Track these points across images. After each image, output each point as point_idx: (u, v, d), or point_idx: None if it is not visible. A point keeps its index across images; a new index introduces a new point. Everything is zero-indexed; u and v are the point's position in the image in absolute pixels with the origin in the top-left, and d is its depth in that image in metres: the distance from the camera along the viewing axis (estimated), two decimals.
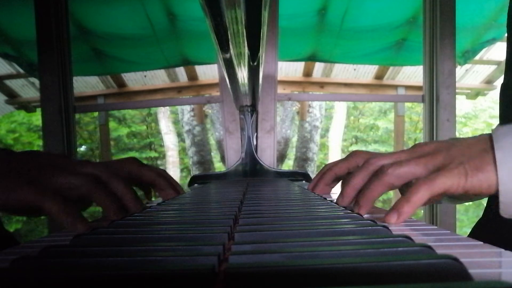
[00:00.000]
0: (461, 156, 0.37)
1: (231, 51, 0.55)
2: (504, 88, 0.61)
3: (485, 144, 0.37)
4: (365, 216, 0.39)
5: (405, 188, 0.41)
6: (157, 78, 3.59)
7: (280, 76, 3.43)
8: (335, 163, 0.60)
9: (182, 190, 0.61)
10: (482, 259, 0.23)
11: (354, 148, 6.18)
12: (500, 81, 0.66)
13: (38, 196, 0.34)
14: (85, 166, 0.43)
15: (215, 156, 4.54)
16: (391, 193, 3.67)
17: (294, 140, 4.74)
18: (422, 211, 1.86)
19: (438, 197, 0.38)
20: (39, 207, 0.35)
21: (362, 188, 0.42)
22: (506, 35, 0.58)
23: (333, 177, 0.60)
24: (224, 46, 0.53)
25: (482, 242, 0.28)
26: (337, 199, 0.46)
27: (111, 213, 0.40)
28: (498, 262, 0.23)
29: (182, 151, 5.17)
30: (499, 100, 0.63)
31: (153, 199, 0.63)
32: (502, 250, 0.25)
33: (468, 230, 0.63)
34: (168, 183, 0.55)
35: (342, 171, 0.59)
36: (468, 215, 5.20)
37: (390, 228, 0.28)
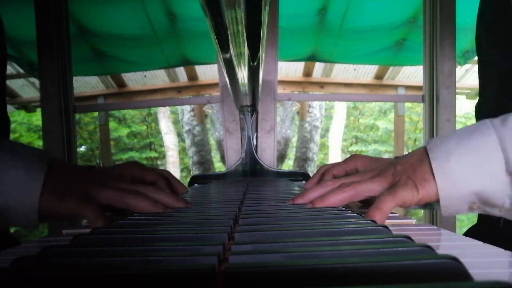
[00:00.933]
0: (406, 172, 0.42)
1: (231, 51, 0.55)
2: (478, 108, 0.63)
3: (422, 156, 0.42)
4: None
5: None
6: (157, 78, 3.59)
7: (280, 76, 3.43)
8: (333, 165, 0.64)
9: (186, 189, 0.65)
10: (482, 259, 0.23)
11: (354, 148, 6.17)
12: None
13: (83, 206, 0.42)
14: (119, 182, 0.48)
15: (215, 156, 4.54)
16: None
17: (294, 140, 4.74)
18: (422, 211, 1.86)
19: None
20: (82, 215, 0.42)
21: (323, 194, 0.45)
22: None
23: (331, 178, 0.63)
24: (224, 46, 0.53)
25: (482, 242, 0.28)
26: (294, 198, 0.49)
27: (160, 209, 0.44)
28: (498, 262, 0.23)
29: (182, 151, 5.16)
30: (476, 120, 0.65)
31: None
32: (502, 250, 0.25)
33: None
34: (167, 184, 0.59)
35: (340, 173, 0.63)
36: (468, 215, 5.19)
37: (390, 228, 0.28)
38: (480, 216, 0.61)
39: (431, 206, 0.49)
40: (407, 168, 0.42)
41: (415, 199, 0.41)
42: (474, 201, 0.40)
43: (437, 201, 0.42)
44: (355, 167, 0.64)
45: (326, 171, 0.64)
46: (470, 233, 0.61)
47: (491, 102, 0.60)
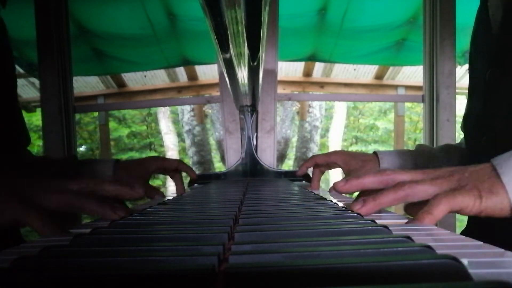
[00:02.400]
0: (474, 180, 0.40)
1: (231, 51, 0.55)
2: (465, 118, 0.64)
3: (489, 170, 0.40)
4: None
5: (411, 208, 0.44)
6: (157, 78, 3.59)
7: (280, 76, 3.43)
8: (318, 155, 0.81)
9: (196, 175, 0.82)
10: (482, 259, 0.23)
11: (354, 148, 6.17)
12: None
13: (24, 213, 0.40)
14: (67, 183, 0.46)
15: (215, 156, 4.54)
16: None
17: (294, 140, 4.74)
18: None
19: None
20: (24, 223, 0.40)
21: (376, 193, 0.43)
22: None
23: (313, 163, 0.81)
24: (224, 46, 0.53)
25: (482, 242, 0.28)
26: (336, 183, 0.48)
27: (107, 215, 0.43)
28: (498, 262, 0.23)
29: (182, 151, 5.16)
30: (463, 131, 0.68)
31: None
32: (502, 250, 0.25)
33: None
34: (188, 166, 0.78)
35: (321, 162, 0.80)
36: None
37: (390, 228, 0.28)
38: (469, 219, 0.62)
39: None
40: (474, 177, 0.40)
41: (476, 208, 0.38)
42: None
43: (502, 217, 0.40)
44: (336, 161, 0.78)
45: (311, 158, 0.81)
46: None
47: (474, 114, 0.61)
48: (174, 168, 0.77)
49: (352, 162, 0.77)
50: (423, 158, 0.73)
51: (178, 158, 5.26)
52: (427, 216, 0.38)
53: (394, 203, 0.42)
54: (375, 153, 0.77)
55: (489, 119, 0.57)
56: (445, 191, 0.40)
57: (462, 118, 0.68)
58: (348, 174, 0.75)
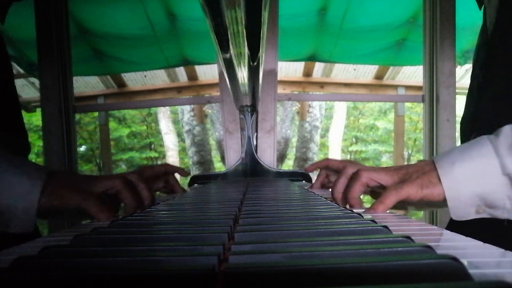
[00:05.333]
0: (417, 173, 0.49)
1: (231, 51, 0.55)
2: (462, 121, 0.67)
3: (430, 165, 0.49)
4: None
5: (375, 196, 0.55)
6: (157, 78, 3.59)
7: (280, 76, 3.43)
8: (333, 159, 0.81)
9: (187, 172, 0.87)
10: (482, 259, 0.23)
11: (354, 148, 6.17)
12: None
13: (83, 201, 0.49)
14: (121, 174, 0.57)
15: (215, 156, 4.54)
16: None
17: (294, 140, 4.74)
18: (422, 212, 1.86)
19: (401, 204, 0.52)
20: (83, 209, 0.48)
21: (345, 190, 0.55)
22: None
23: (325, 165, 0.80)
24: (224, 46, 0.53)
25: (482, 242, 0.28)
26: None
27: (131, 207, 0.53)
28: (498, 262, 0.23)
29: (182, 151, 5.16)
30: (460, 133, 0.71)
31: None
32: (502, 250, 0.25)
33: None
34: (175, 167, 0.83)
35: (333, 166, 0.80)
36: None
37: (390, 228, 0.28)
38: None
39: (432, 206, 0.55)
40: (418, 170, 0.50)
41: (418, 196, 0.47)
42: (479, 204, 0.46)
43: (441, 202, 0.48)
44: (327, 164, 0.81)
45: (325, 160, 0.81)
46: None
47: (469, 113, 0.67)
48: (163, 172, 0.80)
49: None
50: None
51: (178, 158, 5.24)
52: (380, 205, 0.48)
53: (361, 191, 0.52)
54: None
55: (478, 118, 0.63)
56: (394, 182, 0.50)
57: (460, 120, 0.72)
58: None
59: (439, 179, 0.47)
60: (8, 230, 0.47)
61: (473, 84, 0.67)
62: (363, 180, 0.52)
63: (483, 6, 0.66)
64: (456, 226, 0.62)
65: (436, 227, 0.36)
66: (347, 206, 0.52)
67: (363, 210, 0.49)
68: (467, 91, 0.69)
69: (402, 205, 0.54)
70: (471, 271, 0.18)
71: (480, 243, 0.28)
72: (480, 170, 0.45)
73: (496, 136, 0.46)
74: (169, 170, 0.80)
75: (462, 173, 0.46)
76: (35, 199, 0.47)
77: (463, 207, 0.46)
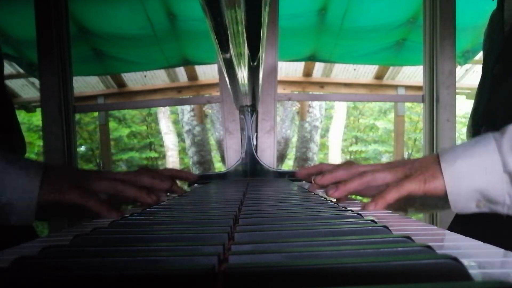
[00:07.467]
0: (420, 168, 0.50)
1: (231, 51, 0.55)
2: (473, 111, 0.67)
3: (434, 159, 0.50)
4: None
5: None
6: (157, 78, 3.59)
7: (280, 76, 3.42)
8: (326, 164, 0.76)
9: (194, 175, 0.82)
10: (482, 259, 0.23)
11: (354, 148, 6.17)
12: None
13: (84, 200, 0.49)
14: (114, 174, 0.58)
15: (215, 156, 4.54)
16: None
17: (294, 140, 4.74)
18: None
19: (403, 201, 0.52)
20: (83, 205, 0.49)
21: (344, 180, 0.54)
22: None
23: (318, 170, 0.73)
24: (224, 46, 0.53)
25: (482, 242, 0.28)
26: (315, 177, 0.58)
27: (143, 198, 0.54)
28: (498, 262, 0.23)
29: (182, 151, 5.16)
30: (468, 126, 0.72)
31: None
32: (502, 250, 0.25)
33: None
34: (181, 171, 0.84)
35: (311, 173, 0.75)
36: None
37: (390, 228, 0.28)
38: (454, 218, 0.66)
39: (436, 206, 0.55)
40: (421, 165, 0.50)
41: (421, 190, 0.48)
42: (480, 199, 0.47)
43: (444, 197, 0.48)
44: (321, 169, 0.76)
45: (319, 165, 0.77)
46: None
47: (481, 107, 0.67)
48: (170, 176, 0.78)
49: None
50: None
51: (178, 158, 5.24)
52: (381, 199, 0.48)
53: (360, 187, 0.52)
54: None
55: (492, 112, 0.63)
56: (398, 178, 0.50)
57: (470, 113, 0.72)
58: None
59: (441, 174, 0.48)
60: (9, 224, 0.47)
61: (485, 77, 0.67)
62: (367, 179, 0.52)
63: None
64: (459, 223, 0.63)
65: (436, 227, 0.36)
66: (329, 194, 0.53)
67: (362, 205, 0.50)
68: (467, 91, 0.69)
69: (406, 202, 0.54)
70: (471, 271, 0.18)
71: (481, 243, 0.28)
72: (482, 167, 0.46)
73: (501, 134, 0.46)
74: (176, 175, 0.76)
75: (464, 168, 0.47)
76: (35, 191, 0.47)
77: (463, 201, 0.47)
